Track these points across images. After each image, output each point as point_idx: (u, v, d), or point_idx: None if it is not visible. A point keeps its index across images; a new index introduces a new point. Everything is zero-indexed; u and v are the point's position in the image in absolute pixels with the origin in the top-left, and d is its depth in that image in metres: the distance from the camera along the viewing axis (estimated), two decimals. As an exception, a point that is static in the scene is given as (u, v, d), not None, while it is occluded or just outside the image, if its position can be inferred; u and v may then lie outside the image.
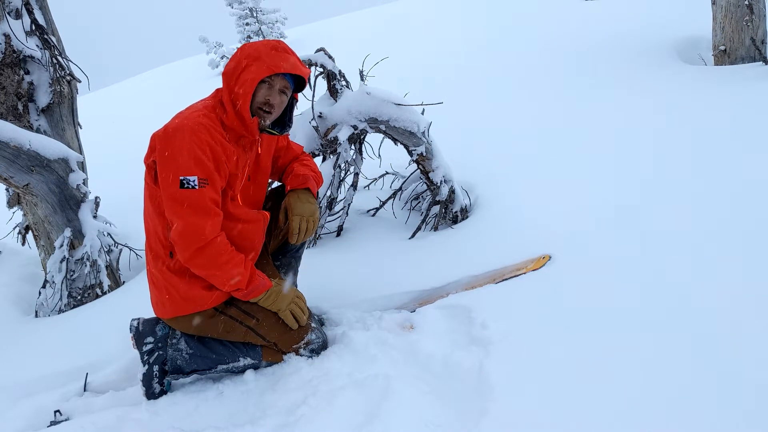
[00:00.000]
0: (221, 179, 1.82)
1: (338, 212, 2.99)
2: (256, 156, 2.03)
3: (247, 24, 14.28)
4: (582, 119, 3.93)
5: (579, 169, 3.09)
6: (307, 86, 2.05)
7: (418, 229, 2.83)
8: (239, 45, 14.04)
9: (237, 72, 1.82)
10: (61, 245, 3.01)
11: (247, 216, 1.96)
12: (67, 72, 3.24)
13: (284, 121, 2.02)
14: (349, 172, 2.96)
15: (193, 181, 1.72)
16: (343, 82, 2.85)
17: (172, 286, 1.89)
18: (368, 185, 3.40)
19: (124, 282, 3.29)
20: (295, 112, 2.17)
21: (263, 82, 1.84)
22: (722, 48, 5.01)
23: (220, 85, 1.95)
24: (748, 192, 2.40)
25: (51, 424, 1.96)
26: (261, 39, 13.37)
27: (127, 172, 5.48)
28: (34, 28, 3.11)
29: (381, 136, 2.88)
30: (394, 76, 4.47)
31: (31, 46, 3.08)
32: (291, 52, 1.88)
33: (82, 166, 3.23)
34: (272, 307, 1.93)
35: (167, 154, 1.74)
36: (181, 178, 1.71)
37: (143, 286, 2.78)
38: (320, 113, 2.77)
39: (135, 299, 2.76)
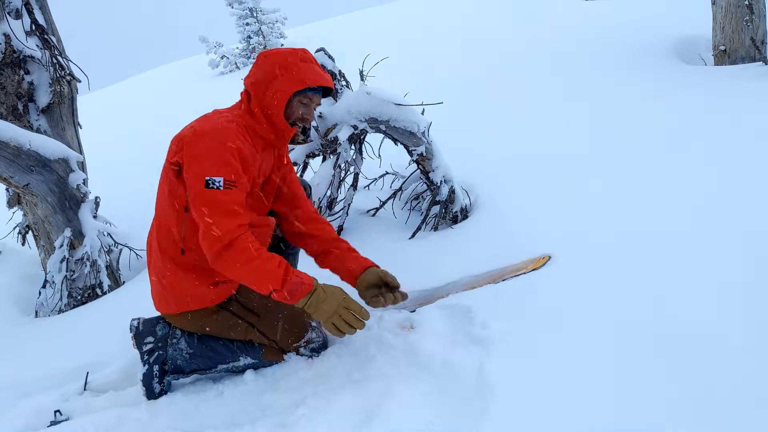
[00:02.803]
0: (246, 183, 1.84)
1: (338, 212, 2.99)
2: (274, 165, 2.07)
3: (247, 24, 14.25)
4: (582, 119, 3.93)
5: (579, 169, 3.09)
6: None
7: (418, 229, 2.83)
8: (239, 45, 14.14)
9: (266, 81, 1.85)
10: (61, 245, 3.01)
11: (259, 221, 1.99)
12: (67, 72, 3.24)
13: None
14: (349, 172, 2.96)
15: (219, 181, 1.73)
16: (343, 82, 2.85)
17: (178, 283, 1.90)
18: (368, 185, 3.39)
19: (124, 282, 3.29)
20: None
21: (297, 95, 1.88)
22: (722, 48, 5.01)
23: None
24: (748, 192, 2.40)
25: (51, 424, 1.96)
26: (261, 39, 13.12)
27: (127, 172, 5.49)
28: (34, 28, 3.11)
29: (381, 136, 2.88)
30: (394, 76, 4.47)
31: (31, 46, 3.08)
32: (316, 62, 1.93)
33: (82, 166, 3.23)
34: (315, 315, 1.78)
35: (196, 154, 1.76)
36: (207, 178, 1.72)
37: (143, 286, 2.78)
38: (320, 113, 2.77)
39: (135, 299, 2.76)
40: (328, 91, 2.03)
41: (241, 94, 1.96)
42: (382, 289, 1.99)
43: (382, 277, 1.98)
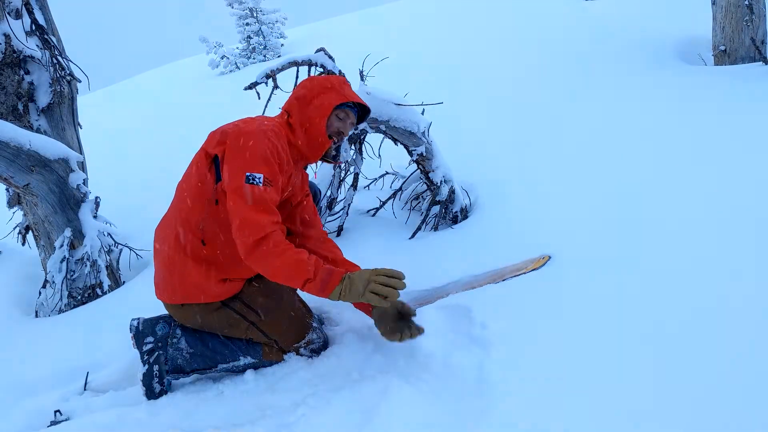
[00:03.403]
0: (281, 186, 1.90)
1: (338, 212, 2.99)
2: (299, 180, 2.14)
3: (247, 24, 14.25)
4: (581, 119, 3.93)
5: (579, 168, 3.09)
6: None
7: (418, 229, 2.83)
8: (239, 45, 14.13)
9: (311, 96, 2.00)
10: (61, 245, 3.01)
11: None
12: (67, 72, 3.24)
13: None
14: (349, 172, 2.96)
15: (259, 178, 1.78)
16: (343, 82, 2.84)
17: (188, 273, 1.92)
18: (368, 185, 3.39)
19: (124, 282, 3.29)
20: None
21: (336, 110, 2.01)
22: (722, 48, 5.02)
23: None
24: (748, 192, 2.40)
25: (51, 424, 1.96)
26: (261, 39, 13.14)
27: (127, 172, 5.49)
28: (34, 28, 3.11)
29: (381, 136, 2.88)
30: (394, 76, 4.47)
31: (31, 46, 3.08)
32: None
33: (82, 166, 3.23)
34: (352, 297, 1.74)
35: (240, 149, 1.82)
36: (248, 174, 1.78)
37: (143, 286, 2.78)
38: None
39: (135, 299, 2.76)
40: (362, 118, 2.19)
41: (281, 111, 2.08)
42: (399, 323, 1.85)
43: (399, 308, 1.88)
